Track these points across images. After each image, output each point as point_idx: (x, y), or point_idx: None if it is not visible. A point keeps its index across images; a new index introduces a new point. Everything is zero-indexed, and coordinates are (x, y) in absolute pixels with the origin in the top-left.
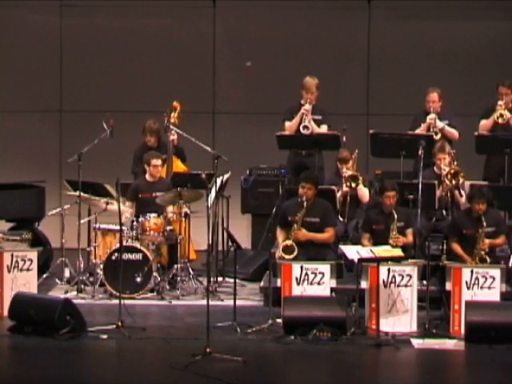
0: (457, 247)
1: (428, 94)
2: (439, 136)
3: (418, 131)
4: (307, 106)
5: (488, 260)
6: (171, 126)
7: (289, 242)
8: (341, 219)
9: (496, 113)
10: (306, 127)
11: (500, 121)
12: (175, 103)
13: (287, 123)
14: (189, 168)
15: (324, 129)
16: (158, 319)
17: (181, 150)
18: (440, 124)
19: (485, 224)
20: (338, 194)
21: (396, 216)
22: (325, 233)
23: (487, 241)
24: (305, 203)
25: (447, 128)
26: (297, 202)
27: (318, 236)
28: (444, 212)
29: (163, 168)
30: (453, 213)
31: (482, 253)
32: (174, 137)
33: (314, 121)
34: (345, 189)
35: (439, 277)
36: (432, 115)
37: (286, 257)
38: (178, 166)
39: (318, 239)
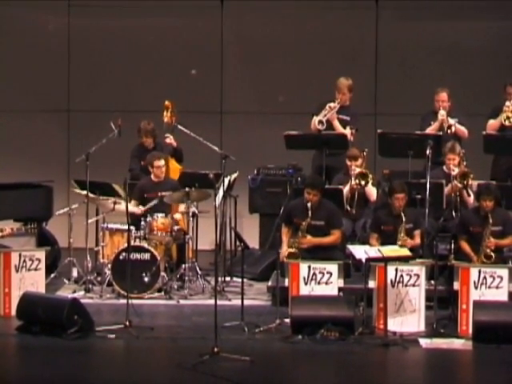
0: (465, 246)
1: (437, 94)
2: (453, 129)
3: (429, 129)
4: (332, 104)
5: (493, 256)
6: (169, 127)
7: (292, 250)
8: (349, 209)
9: (503, 115)
10: (320, 122)
11: (507, 123)
12: (167, 102)
13: (314, 118)
14: (184, 168)
15: (347, 130)
16: (165, 319)
17: (180, 152)
18: (451, 120)
19: (491, 222)
20: (346, 190)
21: (405, 218)
22: (331, 235)
23: (493, 240)
24: (310, 211)
25: (458, 126)
26: (303, 204)
27: (324, 240)
28: (453, 213)
29: (167, 167)
30: (461, 211)
31: (488, 250)
32: (171, 141)
33: (341, 121)
34: (352, 183)
35: (447, 276)
36: (443, 112)
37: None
38: (174, 166)
39: (324, 243)
